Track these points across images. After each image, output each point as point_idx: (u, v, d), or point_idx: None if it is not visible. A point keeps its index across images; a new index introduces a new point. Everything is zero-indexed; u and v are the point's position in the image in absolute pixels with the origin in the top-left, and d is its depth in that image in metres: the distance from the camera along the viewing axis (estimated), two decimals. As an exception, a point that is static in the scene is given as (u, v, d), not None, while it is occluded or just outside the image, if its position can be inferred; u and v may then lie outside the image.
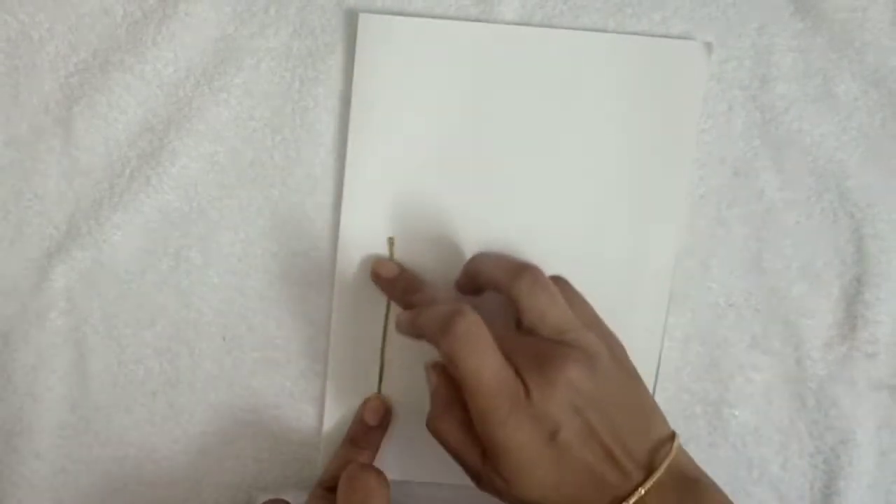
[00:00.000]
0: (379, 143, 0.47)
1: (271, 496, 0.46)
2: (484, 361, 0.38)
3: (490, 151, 0.47)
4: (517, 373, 0.38)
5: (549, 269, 0.48)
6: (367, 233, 0.48)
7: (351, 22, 0.47)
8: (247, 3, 0.47)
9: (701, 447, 0.51)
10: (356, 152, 0.47)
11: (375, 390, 0.49)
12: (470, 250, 0.48)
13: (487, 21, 0.47)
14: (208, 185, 0.48)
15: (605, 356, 0.40)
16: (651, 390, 0.50)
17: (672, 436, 0.40)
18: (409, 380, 0.49)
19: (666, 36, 0.47)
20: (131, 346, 0.49)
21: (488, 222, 0.48)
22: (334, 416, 0.49)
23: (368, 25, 0.46)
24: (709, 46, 0.47)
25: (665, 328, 0.49)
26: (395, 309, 0.48)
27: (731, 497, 0.51)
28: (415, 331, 0.42)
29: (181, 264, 0.48)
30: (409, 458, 0.50)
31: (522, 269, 0.41)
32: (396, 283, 0.47)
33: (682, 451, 0.41)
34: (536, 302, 0.40)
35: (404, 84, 0.47)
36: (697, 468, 0.41)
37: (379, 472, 0.41)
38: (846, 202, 0.49)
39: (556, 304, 0.40)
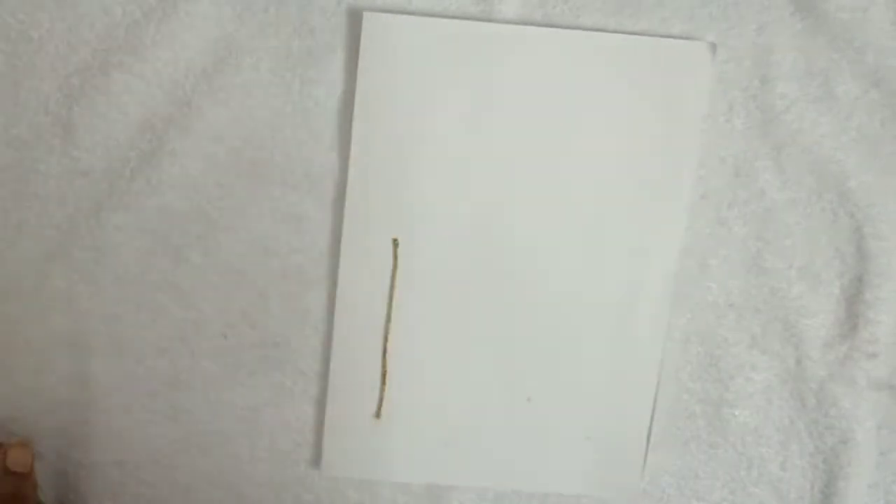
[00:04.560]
0: (382, 143, 0.47)
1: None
2: None
3: (494, 151, 0.47)
4: None
5: (554, 269, 0.48)
6: (370, 233, 0.48)
7: (352, 21, 0.47)
8: (246, 3, 0.47)
9: (701, 447, 0.51)
10: (360, 153, 0.47)
11: (378, 389, 0.49)
12: (474, 249, 0.48)
13: (488, 19, 0.47)
14: (208, 185, 0.48)
15: None
16: (653, 392, 0.50)
17: None
18: (413, 379, 0.49)
19: (667, 36, 0.47)
20: (131, 347, 0.49)
21: (491, 221, 0.48)
22: (337, 415, 0.49)
23: (373, 25, 0.46)
24: (713, 47, 0.47)
25: (668, 328, 0.49)
26: (398, 309, 0.48)
27: (730, 497, 0.52)
28: None
29: (181, 264, 0.48)
30: (416, 458, 0.50)
31: None
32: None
33: None
34: None
35: (408, 83, 0.47)
36: None
37: None
38: (846, 202, 0.49)
39: None
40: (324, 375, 0.49)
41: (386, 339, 0.49)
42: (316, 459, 0.50)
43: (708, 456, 0.51)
